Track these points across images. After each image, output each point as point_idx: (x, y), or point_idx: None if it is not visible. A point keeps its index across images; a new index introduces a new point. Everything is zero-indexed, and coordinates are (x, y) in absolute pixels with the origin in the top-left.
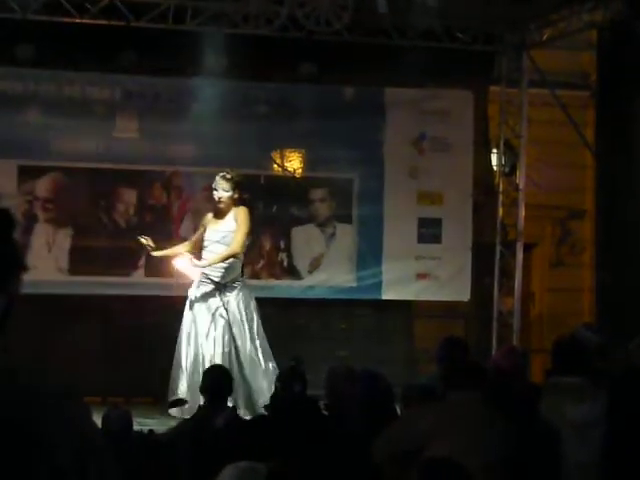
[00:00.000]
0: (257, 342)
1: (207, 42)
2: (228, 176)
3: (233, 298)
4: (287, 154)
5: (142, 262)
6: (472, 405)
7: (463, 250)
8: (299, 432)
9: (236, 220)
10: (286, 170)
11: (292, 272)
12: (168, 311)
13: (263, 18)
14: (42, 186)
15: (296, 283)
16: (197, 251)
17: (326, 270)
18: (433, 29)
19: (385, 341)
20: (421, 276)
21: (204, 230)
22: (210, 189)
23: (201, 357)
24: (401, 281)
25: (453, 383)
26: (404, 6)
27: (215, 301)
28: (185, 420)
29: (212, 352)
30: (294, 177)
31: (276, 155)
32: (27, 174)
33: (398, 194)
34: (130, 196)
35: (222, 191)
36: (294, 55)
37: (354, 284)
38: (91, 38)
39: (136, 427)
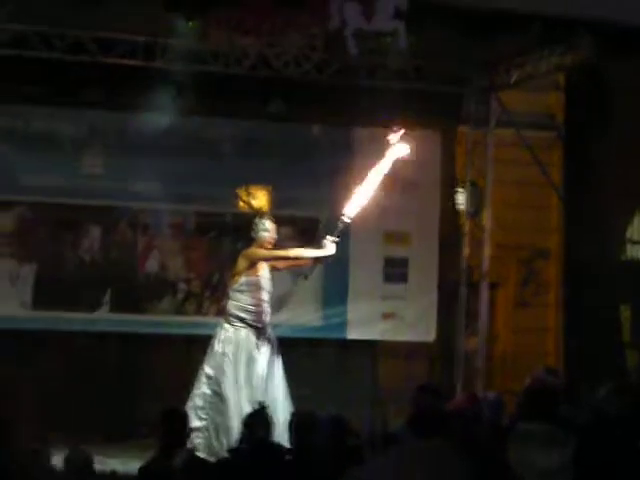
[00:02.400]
0: (281, 388)
1: (175, 79)
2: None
3: (266, 341)
4: (253, 191)
5: (107, 298)
6: (435, 452)
7: (429, 290)
8: (260, 477)
9: None
10: (252, 207)
11: None
12: (132, 347)
13: (233, 57)
14: (6, 221)
15: None
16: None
17: (292, 309)
18: (402, 70)
19: (349, 381)
20: (387, 316)
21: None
22: (175, 226)
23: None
24: (366, 321)
25: (419, 430)
26: (374, 47)
27: (251, 343)
28: (146, 462)
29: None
30: (260, 215)
31: (242, 192)
32: None
33: (364, 233)
34: (95, 232)
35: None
36: (263, 93)
37: (320, 323)
38: (58, 73)
39: (98, 467)
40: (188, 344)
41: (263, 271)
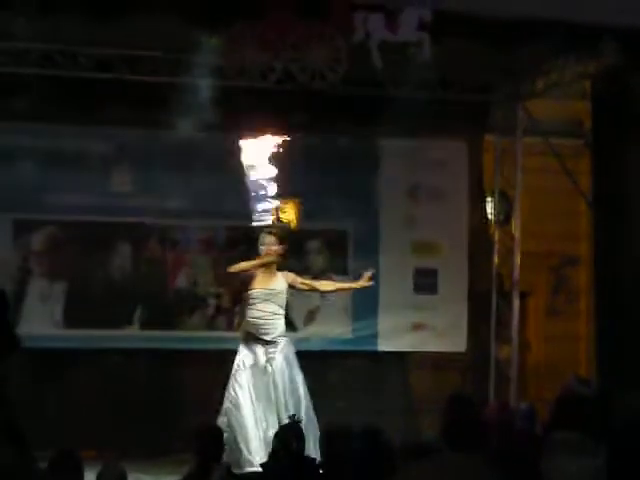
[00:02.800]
0: (302, 402)
1: (200, 95)
2: (274, 230)
3: (277, 354)
4: (282, 205)
5: (137, 315)
6: (471, 463)
7: (459, 300)
8: None
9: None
10: (281, 221)
11: (287, 324)
12: (163, 364)
13: (257, 71)
14: (37, 240)
15: (291, 335)
16: None
17: (321, 322)
18: (427, 80)
19: (381, 393)
20: (417, 327)
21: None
22: (205, 241)
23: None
24: (397, 332)
25: (452, 441)
26: (398, 58)
27: (261, 358)
28: (182, 478)
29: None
30: (289, 229)
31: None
32: (22, 228)
33: (394, 244)
34: (125, 249)
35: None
36: (289, 106)
37: (350, 336)
38: (85, 91)
39: None
40: (219, 359)
41: (271, 284)
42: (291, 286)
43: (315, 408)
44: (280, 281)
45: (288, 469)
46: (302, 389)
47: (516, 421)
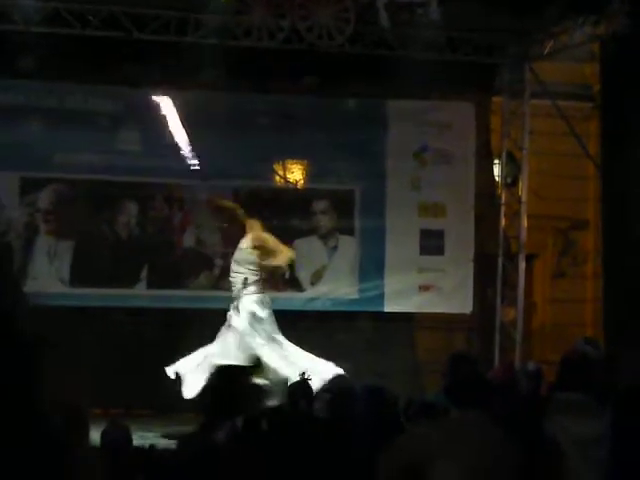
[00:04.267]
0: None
1: (208, 54)
2: None
3: (234, 309)
4: (289, 166)
5: (144, 274)
6: (476, 422)
7: (465, 262)
8: (302, 450)
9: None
10: (288, 182)
11: (294, 284)
12: (169, 323)
13: (265, 31)
14: (44, 198)
15: (298, 295)
16: None
17: (328, 282)
18: (435, 41)
19: (387, 353)
20: (423, 288)
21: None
22: (211, 201)
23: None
24: (403, 293)
25: (457, 399)
26: (406, 19)
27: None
28: (186, 435)
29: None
30: (296, 189)
31: (278, 167)
32: (29, 186)
33: (400, 206)
34: (132, 208)
35: None
36: (296, 67)
37: (356, 296)
38: (93, 50)
39: (137, 442)
40: (225, 319)
41: (241, 242)
42: (255, 246)
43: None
44: (245, 239)
45: (295, 427)
46: (262, 349)
47: (522, 381)
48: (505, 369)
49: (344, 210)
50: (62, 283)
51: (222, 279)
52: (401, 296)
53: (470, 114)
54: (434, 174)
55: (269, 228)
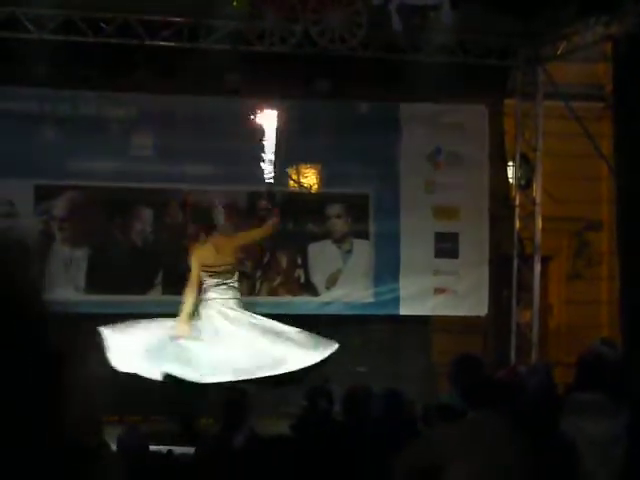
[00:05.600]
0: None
1: (222, 60)
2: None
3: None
4: (303, 170)
5: (159, 280)
6: (492, 424)
7: (480, 264)
8: (324, 453)
9: None
10: (302, 186)
11: (309, 288)
12: None
13: (278, 36)
14: (58, 205)
15: (313, 299)
16: None
17: (343, 286)
18: (447, 44)
19: (403, 357)
20: (439, 291)
21: None
22: (226, 206)
23: None
24: (418, 296)
25: (473, 401)
26: (418, 22)
27: None
28: (203, 440)
29: None
30: (310, 193)
31: (292, 171)
32: (43, 194)
33: (414, 209)
34: (146, 214)
35: None
36: (309, 71)
37: (371, 300)
38: (106, 57)
39: (154, 447)
40: None
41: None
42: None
43: (337, 372)
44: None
45: (316, 430)
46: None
47: (528, 381)
48: (507, 372)
49: (358, 214)
50: (77, 291)
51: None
52: (416, 299)
53: (483, 117)
54: (448, 177)
55: (284, 233)
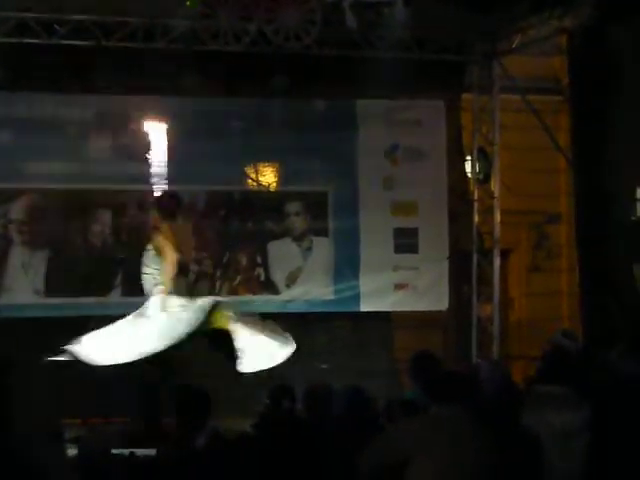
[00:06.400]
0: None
1: (177, 60)
2: None
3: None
4: (261, 169)
5: (119, 281)
6: (454, 418)
7: (440, 259)
8: (286, 451)
9: None
10: (260, 185)
11: (269, 287)
12: None
13: (232, 35)
14: (16, 208)
15: (274, 298)
16: None
17: (304, 284)
18: (402, 40)
19: (365, 353)
20: (399, 287)
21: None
22: (185, 206)
23: None
24: (379, 292)
25: (434, 396)
26: (373, 19)
27: None
28: (165, 441)
29: None
30: (269, 191)
31: (250, 170)
32: (1, 197)
33: (373, 206)
34: (105, 216)
35: None
36: (264, 70)
37: (332, 297)
38: (61, 59)
39: (115, 451)
40: None
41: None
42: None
43: (299, 369)
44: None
45: (278, 429)
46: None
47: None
48: (466, 366)
49: (317, 211)
50: (37, 294)
51: (197, 284)
52: (377, 295)
53: (440, 112)
54: (406, 173)
55: (243, 232)
